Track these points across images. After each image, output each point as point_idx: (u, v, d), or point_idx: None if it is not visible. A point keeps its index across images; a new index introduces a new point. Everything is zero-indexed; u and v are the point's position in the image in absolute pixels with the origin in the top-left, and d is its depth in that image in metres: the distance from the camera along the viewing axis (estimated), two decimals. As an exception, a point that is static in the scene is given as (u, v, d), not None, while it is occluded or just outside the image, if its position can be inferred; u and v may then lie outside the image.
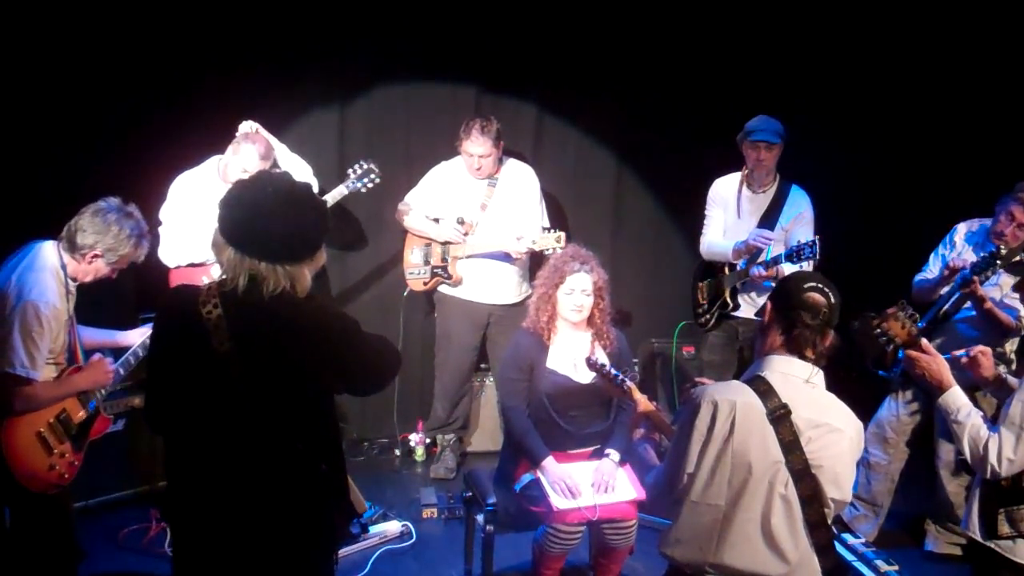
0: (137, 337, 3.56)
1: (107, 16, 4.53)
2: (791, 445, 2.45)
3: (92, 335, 3.52)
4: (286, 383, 2.30)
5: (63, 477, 3.26)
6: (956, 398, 2.90)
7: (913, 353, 2.92)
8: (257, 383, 2.28)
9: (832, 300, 2.53)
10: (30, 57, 4.46)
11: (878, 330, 2.94)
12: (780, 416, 2.46)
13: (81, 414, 3.35)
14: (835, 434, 2.49)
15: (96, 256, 3.19)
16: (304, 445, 2.33)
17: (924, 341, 2.95)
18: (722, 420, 2.48)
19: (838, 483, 2.50)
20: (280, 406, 2.30)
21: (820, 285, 2.54)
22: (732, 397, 2.50)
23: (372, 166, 4.60)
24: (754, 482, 2.47)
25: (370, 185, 4.62)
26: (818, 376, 2.54)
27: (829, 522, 2.52)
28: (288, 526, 2.38)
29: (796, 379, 2.51)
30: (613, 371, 3.21)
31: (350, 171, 4.60)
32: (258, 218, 2.26)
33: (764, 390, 2.49)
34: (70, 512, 3.35)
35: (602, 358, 3.70)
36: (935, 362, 2.90)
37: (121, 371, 3.47)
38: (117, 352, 3.54)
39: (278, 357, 2.29)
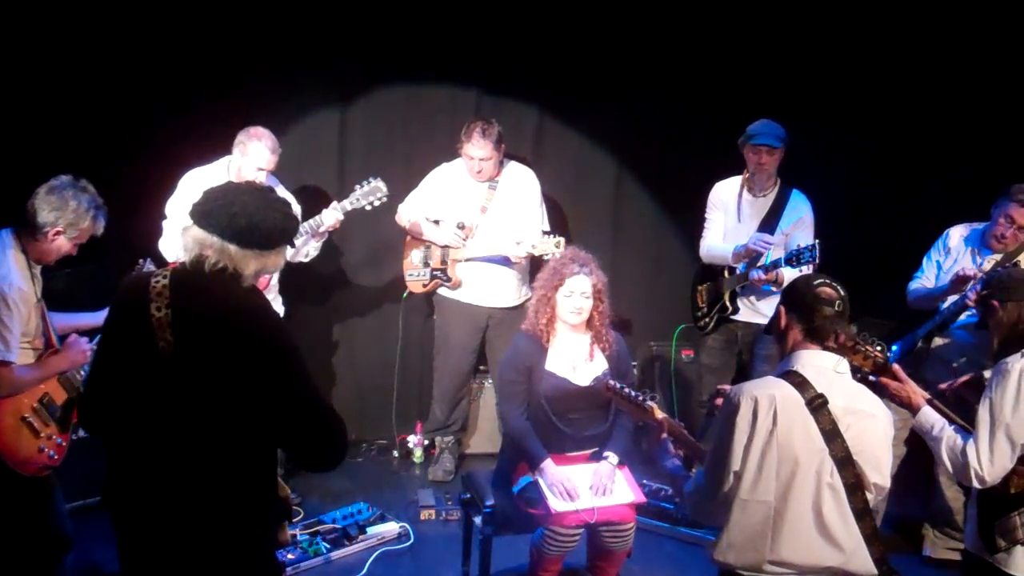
0: None
1: (113, 16, 4.55)
2: (831, 433, 2.51)
3: (67, 320, 3.55)
4: (213, 360, 2.33)
5: (53, 458, 3.31)
6: (928, 416, 2.98)
7: (883, 380, 3.01)
8: (184, 355, 2.32)
9: (842, 292, 2.62)
10: (38, 56, 4.48)
11: None
12: (818, 405, 2.52)
13: (64, 396, 3.39)
14: (870, 420, 2.56)
15: (58, 232, 3.22)
16: (230, 433, 2.35)
17: (896, 367, 3.01)
18: (763, 414, 2.51)
19: (879, 467, 2.56)
20: (205, 383, 2.33)
21: (828, 280, 2.64)
22: (770, 391, 2.55)
23: (379, 184, 4.49)
24: (802, 473, 2.51)
25: (376, 204, 4.52)
26: (844, 365, 2.61)
27: (872, 510, 2.57)
28: (215, 523, 2.41)
29: (826, 369, 2.58)
30: (632, 392, 3.19)
31: (356, 186, 4.51)
32: (224, 196, 2.37)
33: (799, 382, 2.55)
34: (54, 497, 3.37)
35: (598, 367, 3.70)
36: (904, 388, 3.01)
37: None
38: (94, 334, 3.56)
39: (206, 328, 2.34)
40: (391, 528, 4.39)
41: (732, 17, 5.24)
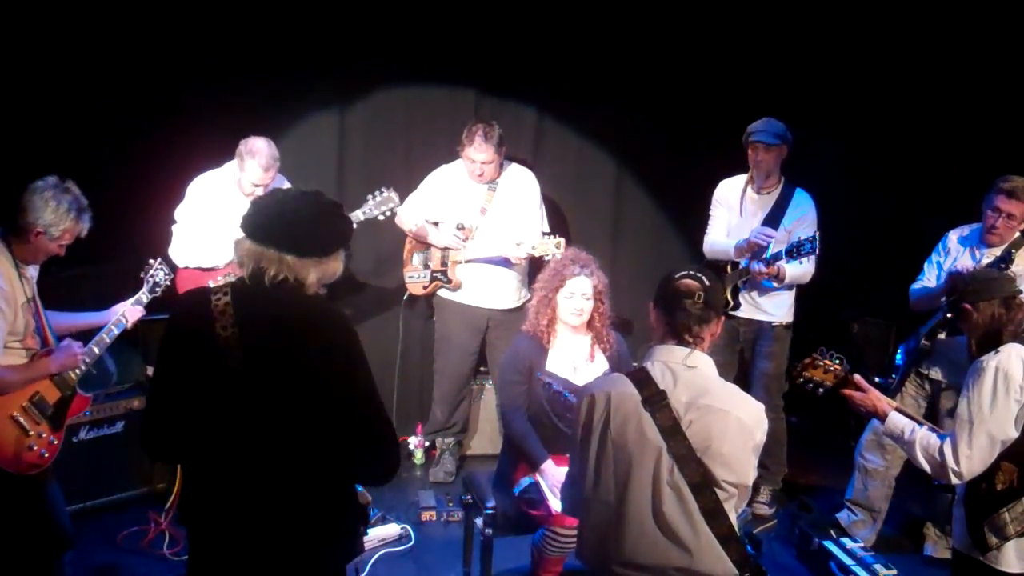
0: (112, 316, 3.61)
1: (116, 20, 4.57)
2: (671, 430, 2.42)
3: (68, 320, 3.57)
4: (288, 374, 2.29)
5: (43, 457, 3.31)
6: (897, 421, 2.98)
7: (846, 392, 3.00)
8: (258, 372, 2.28)
9: (707, 283, 2.53)
10: (42, 59, 4.49)
11: (801, 380, 3.00)
12: (656, 402, 2.44)
13: (56, 395, 3.39)
14: (716, 414, 2.44)
15: (39, 233, 3.22)
16: (312, 446, 2.32)
17: (857, 377, 3.01)
18: (598, 412, 2.49)
19: (729, 466, 2.43)
20: (282, 398, 2.29)
21: (692, 272, 2.57)
22: (607, 389, 2.52)
23: (392, 194, 4.54)
24: (637, 472, 2.45)
25: (388, 214, 4.57)
26: (697, 358, 2.51)
27: (729, 511, 2.46)
28: (300, 536, 2.37)
29: (675, 364, 2.50)
30: (557, 388, 3.21)
31: (369, 196, 4.54)
32: (275, 206, 2.34)
33: (641, 378, 2.49)
34: (49, 495, 3.37)
35: (598, 368, 3.71)
36: (867, 398, 3.00)
37: (96, 349, 3.53)
38: (92, 334, 3.58)
39: (277, 341, 2.30)
40: (392, 530, 4.38)
41: (732, 17, 5.25)
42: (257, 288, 2.30)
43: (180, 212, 4.32)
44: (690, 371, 2.49)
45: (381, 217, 4.57)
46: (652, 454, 2.44)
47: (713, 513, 2.43)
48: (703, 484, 2.42)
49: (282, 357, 2.30)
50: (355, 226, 4.36)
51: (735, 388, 2.55)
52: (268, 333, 2.30)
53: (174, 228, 4.30)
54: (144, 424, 2.43)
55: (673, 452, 2.42)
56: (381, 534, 4.34)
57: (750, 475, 2.50)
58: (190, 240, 4.28)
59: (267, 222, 2.31)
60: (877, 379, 4.21)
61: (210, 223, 4.24)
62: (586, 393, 2.56)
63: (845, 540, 4.18)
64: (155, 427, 2.42)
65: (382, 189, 4.56)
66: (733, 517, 2.48)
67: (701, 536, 2.43)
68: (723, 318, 2.58)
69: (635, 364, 4.75)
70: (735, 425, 2.44)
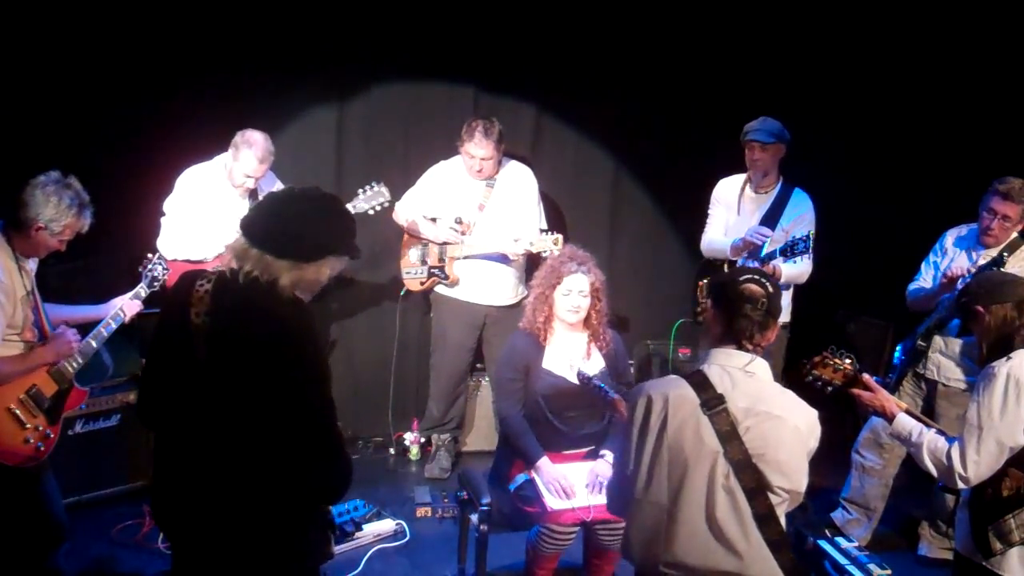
0: (110, 309, 3.61)
1: (113, 13, 4.55)
2: (728, 435, 2.43)
3: (66, 312, 3.56)
4: (240, 371, 2.30)
5: (39, 450, 3.31)
6: (905, 423, 2.96)
7: (855, 391, 2.98)
8: (216, 365, 2.30)
9: (770, 290, 2.52)
10: (38, 52, 4.48)
11: (810, 377, 2.99)
12: (715, 406, 2.44)
13: (53, 388, 3.39)
14: (774, 421, 2.44)
15: (40, 228, 3.22)
16: (262, 449, 2.30)
17: (866, 376, 2.99)
18: (655, 414, 2.48)
19: (784, 471, 2.44)
20: (234, 395, 2.29)
21: (756, 276, 2.55)
22: (665, 390, 2.50)
23: (383, 188, 4.52)
24: (692, 475, 2.45)
25: (379, 208, 4.55)
26: (757, 365, 2.51)
27: (780, 515, 2.47)
28: (249, 536, 2.37)
29: (734, 369, 2.49)
30: (598, 385, 3.18)
31: (360, 191, 4.53)
32: (272, 206, 2.38)
33: (699, 382, 2.48)
34: (45, 489, 3.37)
35: (595, 366, 3.71)
36: (876, 398, 2.98)
37: (93, 343, 3.53)
38: (90, 327, 3.58)
39: (235, 338, 2.31)
40: (387, 525, 4.39)
41: (731, 16, 5.25)
42: (234, 283, 2.32)
43: (169, 204, 4.30)
44: (749, 377, 2.49)
45: (371, 212, 4.53)
46: (708, 458, 2.44)
47: (765, 519, 2.44)
48: (757, 489, 2.43)
49: (236, 354, 2.30)
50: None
51: (792, 394, 2.55)
52: (229, 328, 2.31)
53: (163, 220, 4.28)
54: (139, 391, 2.48)
55: (729, 457, 2.43)
56: (376, 530, 4.34)
57: (803, 482, 2.50)
58: (179, 233, 4.26)
59: (257, 220, 2.33)
60: (876, 379, 4.21)
61: (199, 216, 4.23)
62: (642, 393, 2.53)
63: (840, 539, 4.17)
64: (143, 395, 2.51)
65: (372, 183, 4.53)
66: (783, 523, 2.49)
67: (752, 541, 2.45)
68: (779, 324, 2.58)
69: (631, 362, 4.76)
70: (792, 432, 2.46)
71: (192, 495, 2.35)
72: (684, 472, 2.45)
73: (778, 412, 2.46)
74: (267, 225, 2.32)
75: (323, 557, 2.56)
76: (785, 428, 2.45)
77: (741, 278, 2.53)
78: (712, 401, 2.44)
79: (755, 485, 2.43)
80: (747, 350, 2.51)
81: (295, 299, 2.36)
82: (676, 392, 2.48)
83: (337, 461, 2.40)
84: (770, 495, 2.44)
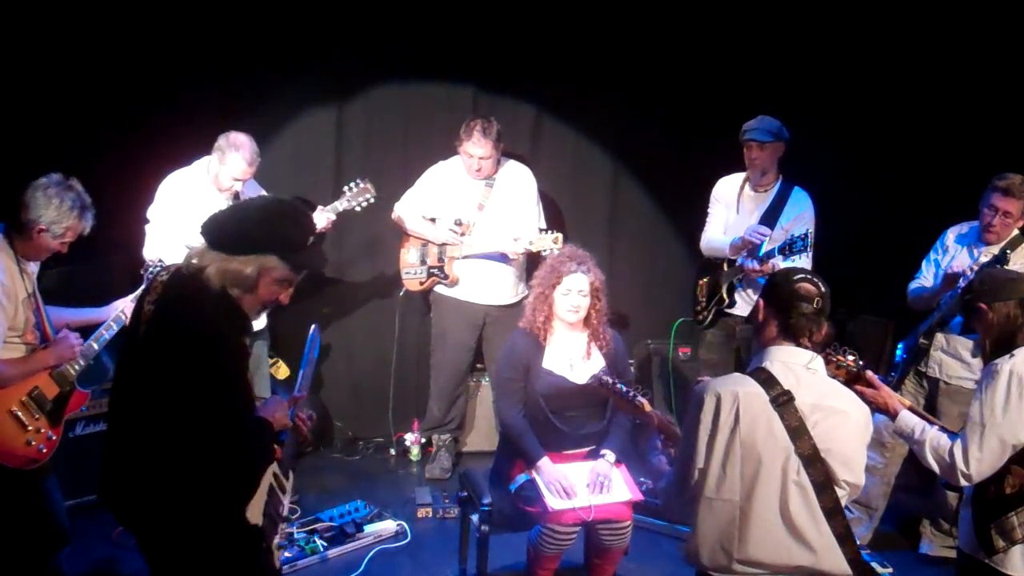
0: (111, 312, 3.61)
1: (107, 15, 4.55)
2: (797, 431, 2.48)
3: (69, 315, 3.55)
4: (154, 360, 2.36)
5: (41, 452, 3.31)
6: (908, 420, 2.97)
7: (859, 388, 2.97)
8: (145, 352, 2.39)
9: (823, 289, 2.57)
10: (33, 55, 4.48)
11: None
12: (783, 402, 2.48)
13: (55, 390, 3.39)
14: (839, 416, 2.51)
15: (41, 231, 3.21)
16: (172, 447, 2.33)
17: (869, 373, 3.00)
18: (726, 411, 2.49)
19: (849, 465, 2.51)
20: (150, 385, 2.35)
21: (809, 275, 2.60)
22: (734, 388, 2.52)
23: (368, 185, 4.52)
24: (766, 471, 2.48)
25: (365, 205, 4.55)
26: (817, 362, 2.58)
27: (843, 508, 2.54)
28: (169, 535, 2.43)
29: (796, 366, 2.54)
30: (624, 388, 3.18)
31: (345, 188, 4.53)
32: (238, 207, 2.54)
33: (765, 378, 2.52)
34: (47, 491, 3.37)
35: (595, 365, 3.70)
36: (879, 395, 2.99)
37: (95, 345, 3.53)
38: (92, 330, 3.59)
39: (159, 327, 2.38)
40: (388, 526, 4.39)
41: (731, 14, 5.24)
42: (181, 273, 2.43)
43: (152, 212, 4.27)
44: (812, 373, 2.55)
45: (358, 208, 4.54)
46: (780, 453, 2.48)
47: (833, 512, 2.50)
48: (826, 483, 2.49)
49: (158, 337, 2.38)
50: (333, 218, 4.39)
51: (846, 389, 2.63)
52: (161, 318, 2.39)
53: (147, 228, 4.26)
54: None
55: (799, 452, 2.47)
56: (377, 531, 4.34)
57: (863, 475, 2.58)
58: (163, 239, 4.23)
59: (216, 217, 2.44)
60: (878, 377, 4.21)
61: (182, 222, 4.19)
62: (708, 392, 2.54)
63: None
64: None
65: (358, 180, 4.53)
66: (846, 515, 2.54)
67: (824, 535, 2.50)
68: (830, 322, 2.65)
69: (631, 361, 4.75)
70: (855, 426, 2.54)
71: (122, 476, 2.42)
72: (757, 468, 2.49)
73: (842, 407, 2.53)
74: (217, 220, 2.42)
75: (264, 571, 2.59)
76: (849, 422, 2.53)
77: (795, 277, 2.59)
78: (780, 397, 2.49)
79: (823, 479, 2.48)
80: (806, 347, 2.57)
81: (226, 297, 2.37)
82: (746, 389, 2.51)
83: (228, 472, 2.37)
84: (836, 489, 2.50)
